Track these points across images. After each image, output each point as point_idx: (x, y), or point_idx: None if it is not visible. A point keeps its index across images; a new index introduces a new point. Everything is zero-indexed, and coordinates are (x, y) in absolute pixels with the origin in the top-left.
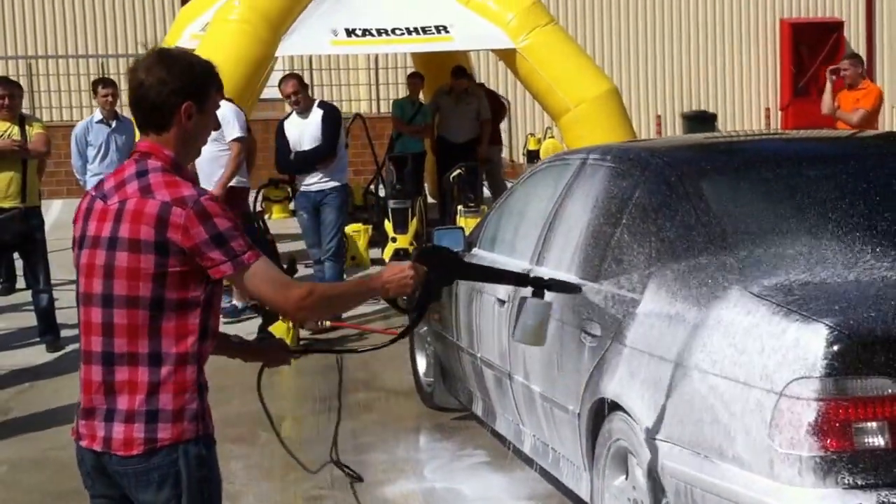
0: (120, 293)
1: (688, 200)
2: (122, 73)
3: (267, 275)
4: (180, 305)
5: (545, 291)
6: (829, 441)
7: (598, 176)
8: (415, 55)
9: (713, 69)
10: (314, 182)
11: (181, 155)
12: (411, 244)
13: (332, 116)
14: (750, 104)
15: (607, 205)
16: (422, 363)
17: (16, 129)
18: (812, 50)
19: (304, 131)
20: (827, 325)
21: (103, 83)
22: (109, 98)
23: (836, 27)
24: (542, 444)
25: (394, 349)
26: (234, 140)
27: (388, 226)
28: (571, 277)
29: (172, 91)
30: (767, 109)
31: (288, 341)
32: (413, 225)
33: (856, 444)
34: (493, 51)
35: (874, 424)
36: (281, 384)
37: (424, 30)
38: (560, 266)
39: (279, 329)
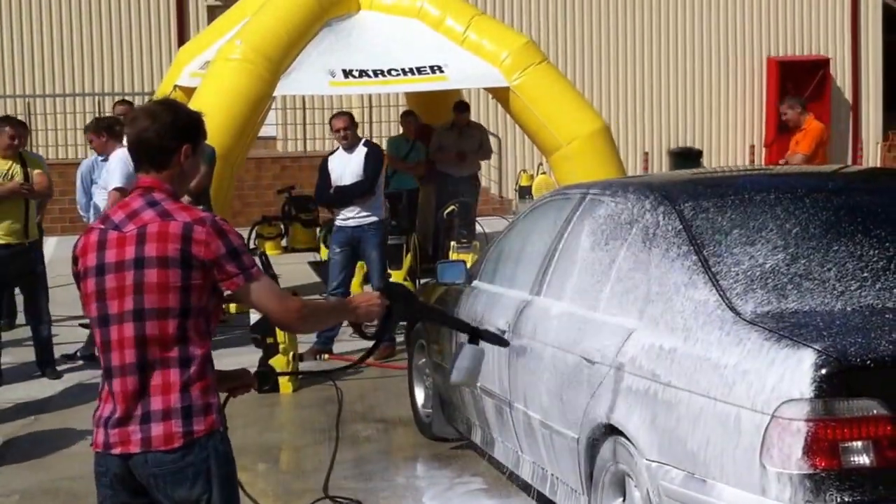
0: (151, 306)
1: (684, 232)
2: (119, 112)
3: (271, 288)
4: (199, 312)
5: (479, 339)
6: (818, 460)
7: (599, 210)
8: (408, 93)
9: (700, 106)
10: (351, 217)
11: (178, 189)
12: (405, 279)
13: (375, 155)
14: (735, 141)
15: (607, 237)
16: (420, 395)
17: (18, 168)
18: (798, 87)
19: (346, 167)
20: (816, 349)
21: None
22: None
23: (822, 65)
24: (540, 470)
25: (392, 381)
26: (114, 189)
27: None
28: (572, 307)
29: (175, 135)
30: (752, 146)
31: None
32: (407, 260)
33: (843, 462)
34: (486, 89)
35: (860, 444)
36: (281, 415)
37: (420, 70)
38: (561, 296)
39: (279, 363)
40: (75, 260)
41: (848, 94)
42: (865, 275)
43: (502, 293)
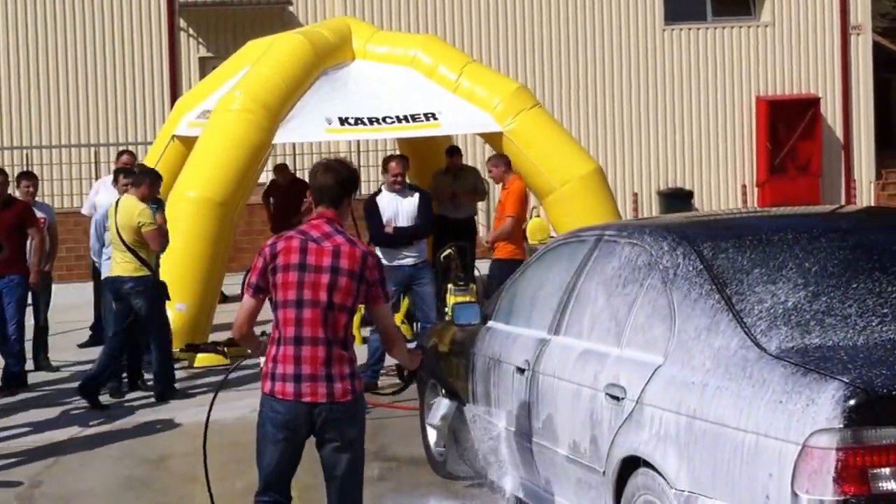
0: (338, 301)
1: (706, 272)
2: (113, 161)
3: (391, 309)
4: (353, 314)
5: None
6: (848, 487)
7: (616, 250)
8: (400, 139)
9: (689, 147)
10: (410, 257)
11: (343, 224)
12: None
13: (428, 200)
14: (727, 181)
15: (626, 278)
16: (432, 433)
17: None
18: (789, 126)
19: (399, 209)
20: (844, 381)
21: (124, 173)
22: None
23: (812, 103)
24: None
25: (399, 421)
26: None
27: None
28: (593, 345)
29: (351, 185)
30: (744, 186)
31: None
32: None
33: (873, 488)
34: (479, 134)
35: (888, 470)
36: None
37: (414, 117)
38: (580, 335)
39: None
40: (274, 256)
41: (839, 133)
42: (885, 310)
43: (519, 333)
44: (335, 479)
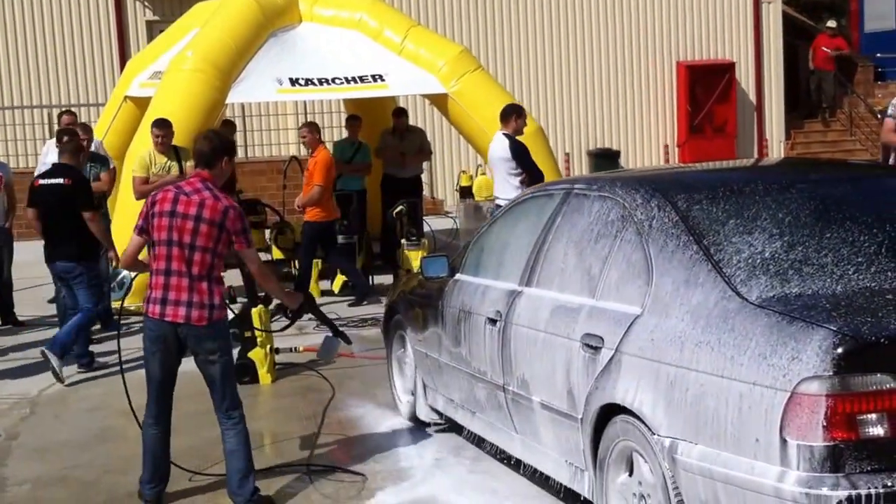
0: (199, 244)
1: (682, 223)
2: (65, 122)
3: (256, 253)
4: (218, 255)
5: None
6: (836, 432)
7: (587, 203)
8: (347, 100)
9: (615, 110)
10: None
11: (219, 181)
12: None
13: None
14: (650, 141)
15: (599, 230)
16: (399, 382)
17: (174, 163)
18: (706, 90)
19: None
20: (831, 329)
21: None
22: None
23: (728, 68)
24: (538, 449)
25: (364, 371)
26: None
27: None
28: (567, 297)
29: (223, 151)
30: (666, 146)
31: (265, 367)
32: (360, 259)
33: (860, 434)
34: (425, 95)
35: (875, 416)
36: (263, 405)
37: (362, 79)
38: (552, 287)
39: (257, 355)
40: (154, 204)
41: (752, 96)
42: (860, 259)
43: (489, 285)
44: (214, 383)
